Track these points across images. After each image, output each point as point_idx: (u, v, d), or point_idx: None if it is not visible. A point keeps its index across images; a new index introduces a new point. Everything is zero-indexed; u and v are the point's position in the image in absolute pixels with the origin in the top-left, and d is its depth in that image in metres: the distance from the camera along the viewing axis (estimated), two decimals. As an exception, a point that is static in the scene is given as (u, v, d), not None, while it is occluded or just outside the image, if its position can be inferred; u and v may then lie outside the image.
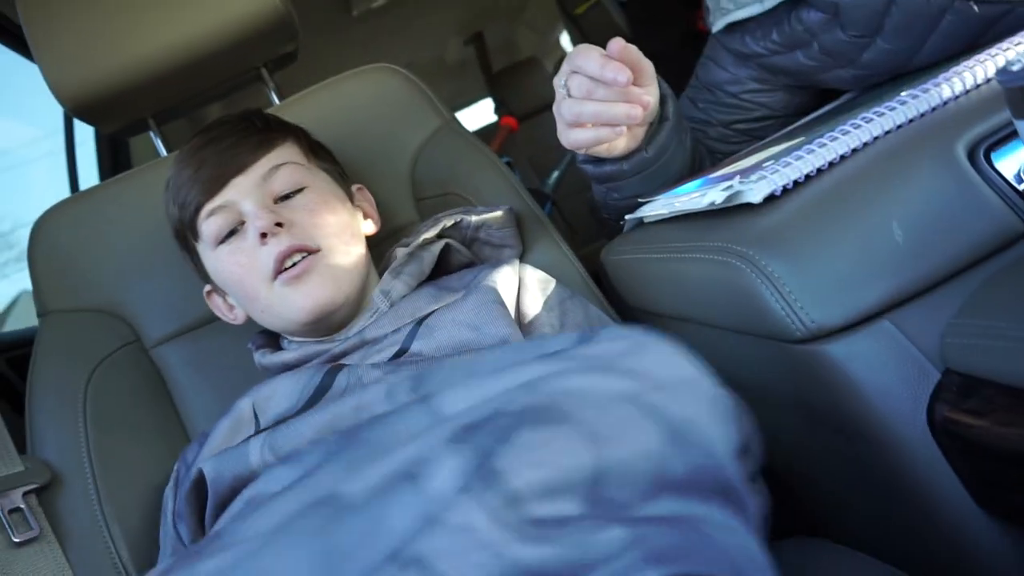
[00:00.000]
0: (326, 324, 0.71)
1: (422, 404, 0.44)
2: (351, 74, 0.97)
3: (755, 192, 0.50)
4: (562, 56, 3.24)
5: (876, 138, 0.51)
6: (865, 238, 0.44)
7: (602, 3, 1.80)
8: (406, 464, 0.38)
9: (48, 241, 0.87)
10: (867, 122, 0.51)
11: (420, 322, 0.66)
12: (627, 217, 0.77)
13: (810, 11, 0.70)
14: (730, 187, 0.53)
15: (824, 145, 0.51)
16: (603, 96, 0.62)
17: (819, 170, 0.50)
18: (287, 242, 0.68)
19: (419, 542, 0.34)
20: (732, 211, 0.54)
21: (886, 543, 0.46)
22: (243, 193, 0.70)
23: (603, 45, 0.69)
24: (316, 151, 0.79)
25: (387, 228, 0.86)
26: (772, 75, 0.82)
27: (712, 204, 0.54)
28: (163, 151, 1.03)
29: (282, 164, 0.72)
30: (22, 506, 0.68)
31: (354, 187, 0.82)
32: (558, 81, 0.66)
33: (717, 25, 0.81)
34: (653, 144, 0.70)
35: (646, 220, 0.73)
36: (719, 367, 0.60)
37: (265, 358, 0.72)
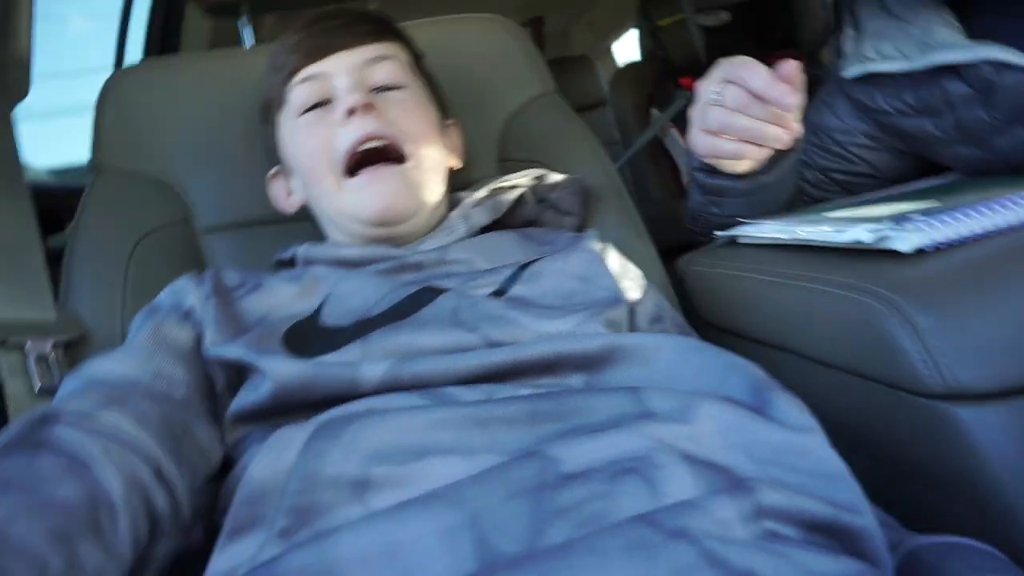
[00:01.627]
0: (386, 234, 0.67)
1: (629, 392, 0.43)
2: (465, 17, 0.94)
3: (907, 240, 0.50)
4: (610, 61, 3.24)
5: (1034, 221, 0.51)
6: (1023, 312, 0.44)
7: (687, 22, 1.80)
8: (628, 455, 0.37)
9: (120, 96, 0.83)
10: (1029, 203, 0.51)
11: (524, 267, 0.63)
12: (719, 233, 0.77)
13: (958, 82, 0.70)
14: (879, 230, 0.53)
15: (986, 214, 0.51)
16: (757, 114, 0.61)
17: (976, 237, 0.50)
18: (373, 125, 0.65)
19: (680, 519, 0.33)
20: (867, 255, 0.53)
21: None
22: (342, 69, 0.68)
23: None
24: (422, 65, 0.77)
25: (464, 179, 0.84)
26: (887, 136, 0.82)
27: (857, 242, 0.53)
28: (248, 41, 0.99)
29: (388, 56, 0.70)
30: (49, 355, 0.65)
31: (448, 121, 0.79)
32: (706, 87, 0.65)
33: (850, 72, 0.81)
34: (775, 171, 0.69)
35: (740, 240, 0.73)
36: (810, 403, 0.61)
37: (316, 248, 0.67)
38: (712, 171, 0.72)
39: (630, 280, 0.69)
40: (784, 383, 0.64)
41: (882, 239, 0.52)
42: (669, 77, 2.00)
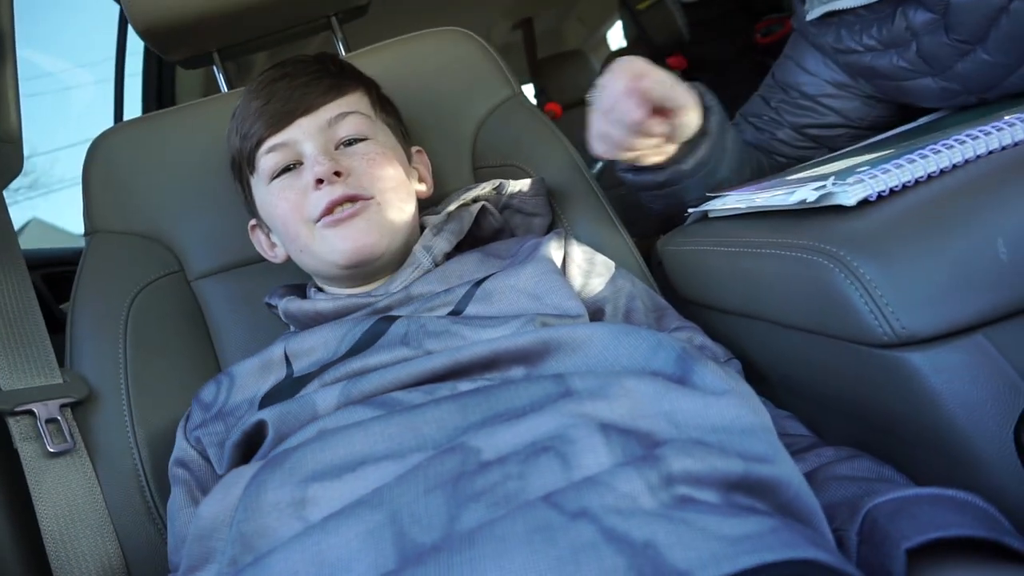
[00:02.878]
0: (363, 273, 0.70)
1: (554, 378, 0.45)
2: (423, 34, 0.96)
3: (850, 194, 0.50)
4: (607, 53, 3.23)
5: (979, 156, 0.50)
6: (967, 251, 0.43)
7: (664, 2, 1.79)
8: (544, 435, 0.39)
9: (105, 160, 0.87)
10: (972, 139, 0.50)
11: (477, 284, 0.65)
12: (690, 210, 0.77)
13: (918, 10, 0.69)
14: (823, 187, 0.52)
15: (926, 156, 0.50)
16: (615, 120, 0.63)
17: (918, 180, 0.50)
18: (340, 191, 0.67)
19: (583, 498, 0.34)
20: (819, 212, 0.53)
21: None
22: (306, 134, 0.70)
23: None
24: (384, 105, 0.79)
25: (442, 192, 0.86)
26: (854, 79, 0.81)
27: (802, 202, 0.53)
28: (224, 87, 1.02)
29: (350, 112, 0.72)
30: (59, 418, 0.68)
31: (413, 148, 0.82)
32: (596, 88, 0.67)
33: (813, 13, 0.79)
34: (690, 158, 0.70)
35: (711, 215, 0.73)
36: (782, 367, 0.61)
37: (294, 304, 0.71)
38: (636, 169, 0.73)
39: (598, 276, 0.71)
40: (754, 350, 0.64)
41: (826, 196, 0.51)
42: (656, 58, 1.99)
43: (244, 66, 1.90)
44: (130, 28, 0.95)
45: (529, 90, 3.44)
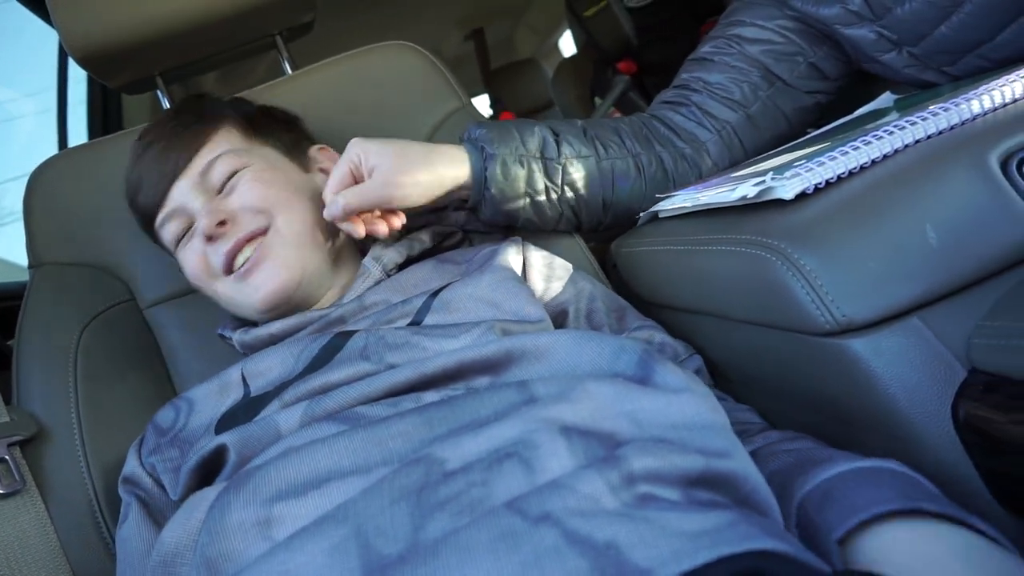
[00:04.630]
0: (292, 304, 0.69)
1: (518, 385, 0.45)
2: (368, 49, 0.96)
3: (788, 188, 0.51)
4: (559, 60, 3.27)
5: (907, 145, 0.52)
6: (899, 238, 0.45)
7: (610, 8, 1.81)
8: (508, 442, 0.39)
9: (46, 190, 0.85)
10: (900, 129, 0.52)
11: (435, 294, 0.65)
12: (641, 213, 0.78)
13: None
14: (762, 182, 0.54)
15: (858, 148, 0.52)
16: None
17: (851, 172, 0.51)
18: (232, 239, 0.67)
19: (545, 502, 0.34)
20: (760, 207, 0.54)
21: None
22: (186, 195, 0.70)
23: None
24: (257, 126, 0.77)
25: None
26: (801, 29, 0.82)
27: (743, 198, 0.54)
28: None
29: (217, 156, 0.71)
30: (6, 457, 0.66)
31: (314, 148, 0.80)
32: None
33: None
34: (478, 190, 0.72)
35: (661, 215, 0.74)
36: (736, 360, 0.62)
37: (248, 335, 0.70)
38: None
39: (558, 280, 0.71)
40: (709, 346, 0.65)
41: (765, 191, 0.53)
42: (607, 64, 2.01)
43: (192, 86, 1.87)
44: (68, 55, 0.94)
45: (484, 100, 3.46)
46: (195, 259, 0.69)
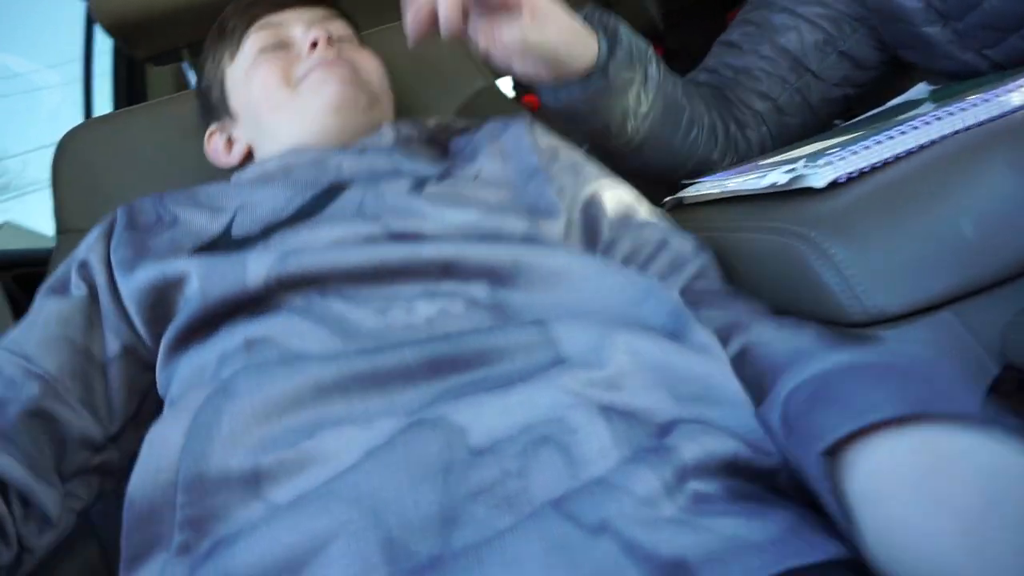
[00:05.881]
0: (336, 129, 0.66)
1: (536, 329, 0.41)
2: (396, 26, 0.96)
3: (820, 176, 0.50)
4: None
5: (943, 136, 0.51)
6: (933, 229, 0.44)
7: (637, -8, 1.79)
8: (540, 419, 0.36)
9: (75, 158, 0.86)
10: (937, 120, 0.51)
11: (441, 167, 0.61)
12: (667, 199, 0.77)
13: None
14: (793, 170, 0.53)
15: (892, 138, 0.51)
16: None
17: (885, 162, 0.51)
18: (333, 55, 0.68)
19: (600, 507, 0.31)
20: (790, 195, 0.54)
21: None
22: (300, 19, 0.72)
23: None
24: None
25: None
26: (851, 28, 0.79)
27: (773, 185, 0.54)
28: (195, 84, 1.01)
29: (341, 17, 0.75)
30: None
31: None
32: None
33: None
34: (596, 75, 0.64)
35: (686, 201, 0.73)
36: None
37: (243, 173, 0.67)
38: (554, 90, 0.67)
39: (563, 164, 0.63)
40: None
41: (796, 179, 0.52)
42: (632, 48, 1.99)
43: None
44: (97, 25, 0.94)
45: (507, 82, 3.43)
46: (279, 63, 0.69)
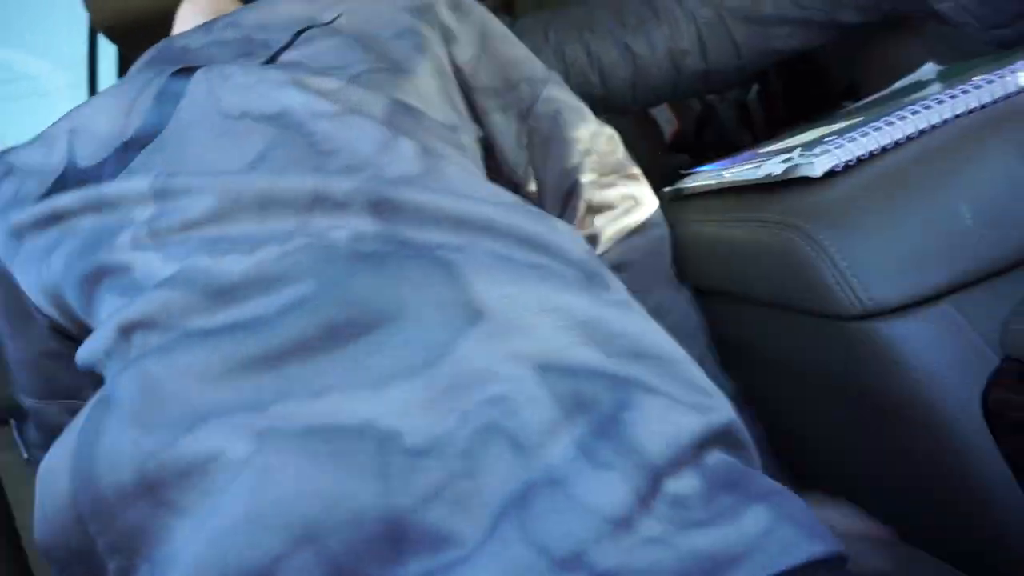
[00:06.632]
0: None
1: (433, 262, 0.36)
2: None
3: (816, 165, 0.49)
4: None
5: (945, 120, 0.49)
6: (932, 219, 0.43)
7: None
8: (479, 403, 0.32)
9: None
10: (938, 103, 0.49)
11: (305, 28, 0.53)
12: (666, 189, 0.76)
13: None
14: (789, 159, 0.52)
15: (892, 123, 0.49)
16: None
17: (884, 148, 0.49)
18: None
19: (571, 532, 0.28)
20: (787, 184, 0.52)
21: (926, 529, 0.46)
22: None
23: None
24: None
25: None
26: None
27: (769, 176, 0.52)
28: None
29: None
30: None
31: None
32: None
33: None
34: None
35: (685, 192, 0.72)
36: (751, 343, 0.60)
37: None
38: None
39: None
40: (725, 328, 0.63)
41: (792, 168, 0.51)
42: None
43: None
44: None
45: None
46: None
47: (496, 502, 0.30)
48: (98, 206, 0.44)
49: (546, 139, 0.58)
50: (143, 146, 0.46)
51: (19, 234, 0.47)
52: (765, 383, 0.58)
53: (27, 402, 0.55)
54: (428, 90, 0.51)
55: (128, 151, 0.46)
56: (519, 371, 0.33)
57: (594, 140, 0.59)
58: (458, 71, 0.56)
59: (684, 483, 0.32)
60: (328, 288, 0.36)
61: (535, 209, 0.44)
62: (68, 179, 0.47)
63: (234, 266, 0.38)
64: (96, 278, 0.43)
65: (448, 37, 0.56)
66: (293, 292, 0.36)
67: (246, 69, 0.48)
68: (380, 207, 0.40)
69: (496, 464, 0.31)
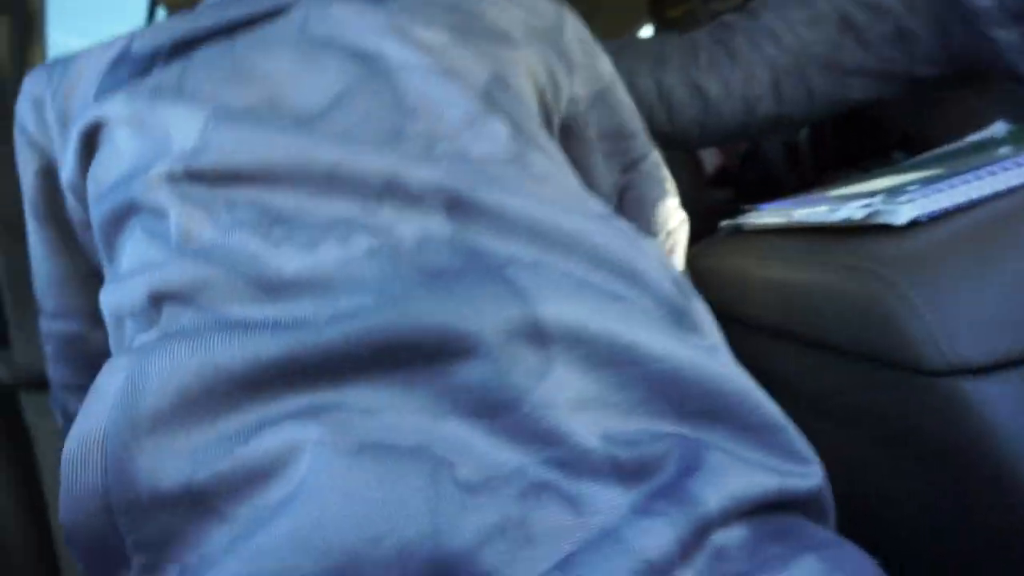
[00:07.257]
0: None
1: (504, 286, 0.34)
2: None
3: (901, 213, 0.48)
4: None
5: (1038, 180, 0.48)
6: (1022, 279, 0.42)
7: (695, 13, 1.77)
8: (544, 460, 0.31)
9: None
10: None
11: None
12: (723, 223, 0.75)
13: None
14: (870, 205, 0.51)
15: (982, 179, 0.48)
16: None
17: (973, 203, 0.48)
18: None
19: None
20: (862, 230, 0.52)
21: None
22: None
23: None
24: None
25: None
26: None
27: (848, 220, 0.51)
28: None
29: None
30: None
31: None
32: None
33: None
34: None
35: (746, 228, 0.71)
36: (804, 384, 0.59)
37: None
38: None
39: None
40: (785, 371, 0.62)
41: (873, 214, 0.50)
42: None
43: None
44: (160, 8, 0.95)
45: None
46: None
47: (551, 557, 0.29)
48: (139, 121, 0.40)
49: (639, 200, 0.58)
50: (204, 44, 0.41)
51: (65, 123, 0.45)
52: (821, 428, 0.57)
53: (54, 325, 0.53)
54: (528, 83, 0.48)
55: (188, 49, 0.42)
56: (584, 438, 0.32)
57: (681, 229, 0.59)
58: (572, 101, 0.54)
59: (734, 535, 0.31)
60: (387, 305, 0.33)
61: (625, 226, 0.42)
62: (117, 62, 0.44)
63: (288, 262, 0.36)
64: (126, 215, 0.40)
65: (569, 65, 0.54)
66: (348, 302, 0.34)
67: (347, 3, 0.44)
68: (455, 207, 0.38)
69: (552, 518, 0.30)
